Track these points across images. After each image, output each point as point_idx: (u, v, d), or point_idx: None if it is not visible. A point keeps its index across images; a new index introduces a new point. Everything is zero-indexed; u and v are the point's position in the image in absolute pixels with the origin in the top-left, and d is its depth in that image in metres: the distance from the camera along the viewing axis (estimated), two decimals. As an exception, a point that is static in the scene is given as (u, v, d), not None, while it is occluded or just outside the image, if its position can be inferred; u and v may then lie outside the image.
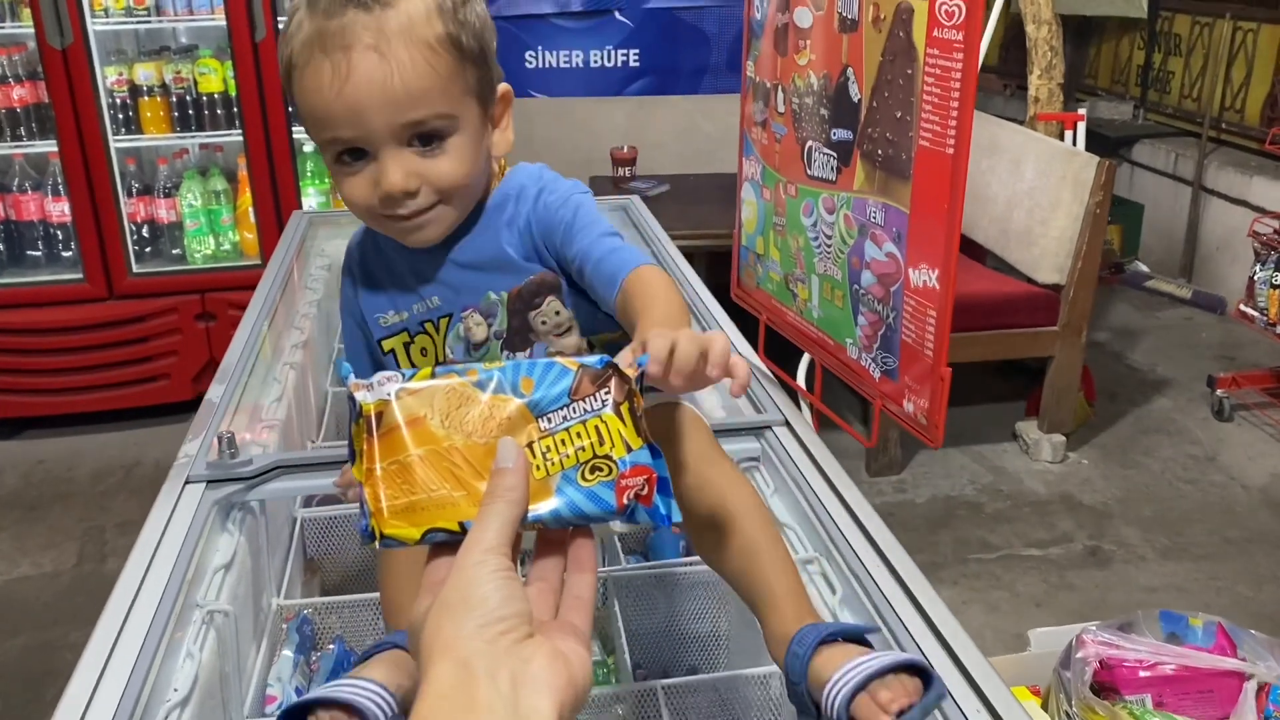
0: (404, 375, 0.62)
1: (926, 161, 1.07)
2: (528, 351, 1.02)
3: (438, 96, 0.91)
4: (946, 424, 4.01)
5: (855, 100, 1.19)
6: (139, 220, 3.63)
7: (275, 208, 3.55)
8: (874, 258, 1.21)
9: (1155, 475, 3.44)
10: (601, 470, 0.61)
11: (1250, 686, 1.01)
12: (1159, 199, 5.12)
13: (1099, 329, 4.49)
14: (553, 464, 0.61)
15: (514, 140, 1.03)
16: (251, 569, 1.27)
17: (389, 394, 0.62)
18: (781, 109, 1.38)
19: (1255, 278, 3.59)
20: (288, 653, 1.28)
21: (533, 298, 1.02)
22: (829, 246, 1.29)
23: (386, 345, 1.06)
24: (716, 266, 3.31)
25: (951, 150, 1.05)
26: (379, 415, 0.61)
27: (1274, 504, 3.25)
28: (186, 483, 1.24)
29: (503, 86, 1.00)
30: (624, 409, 0.62)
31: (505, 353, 1.02)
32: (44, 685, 2.49)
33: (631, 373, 0.64)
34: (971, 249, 3.81)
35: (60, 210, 3.54)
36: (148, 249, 3.66)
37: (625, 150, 3.71)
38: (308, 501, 1.60)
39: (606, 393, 0.62)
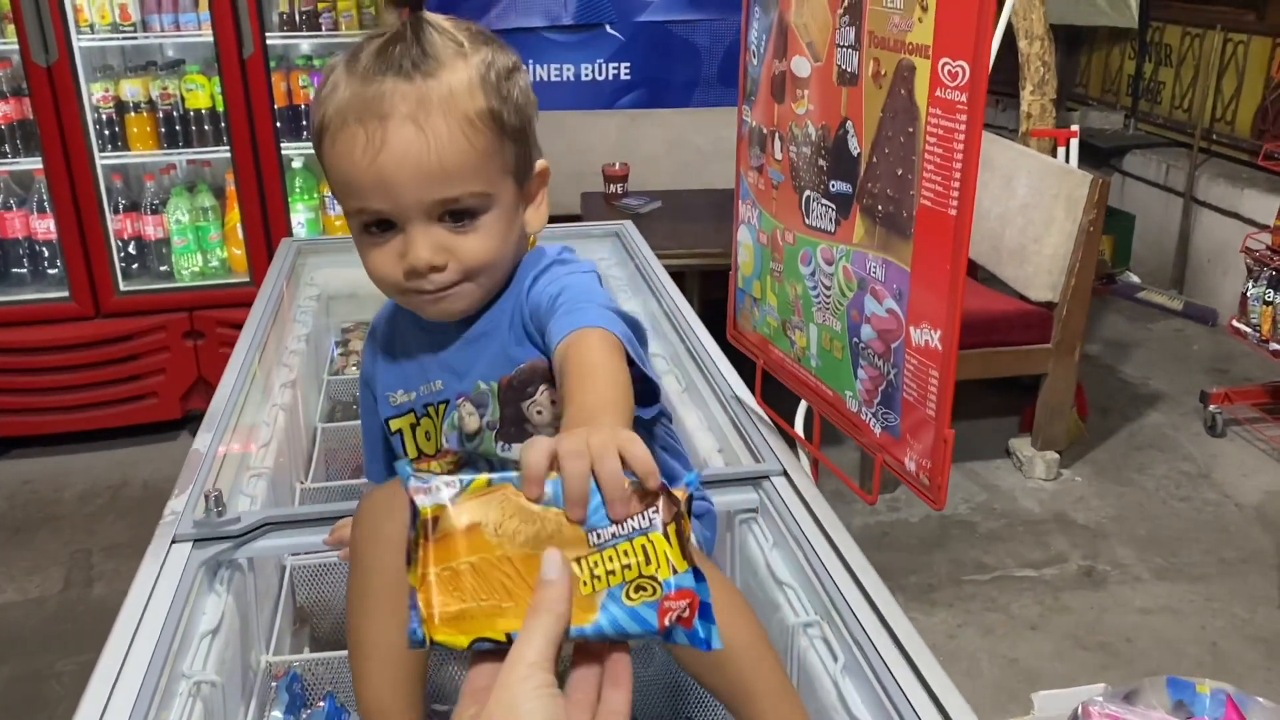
0: (461, 482, 0.63)
1: (928, 221, 1.05)
2: (523, 439, 0.98)
3: (473, 174, 0.88)
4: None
5: (855, 154, 1.17)
6: (126, 237, 3.59)
7: (264, 224, 3.52)
8: (874, 313, 1.19)
9: (1149, 493, 3.44)
10: (646, 590, 0.62)
11: (1258, 762, 1.00)
12: (1150, 209, 5.12)
13: (1091, 341, 4.49)
14: (599, 580, 0.62)
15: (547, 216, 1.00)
16: (240, 629, 1.24)
17: (446, 500, 0.62)
18: (779, 156, 1.36)
19: (1248, 294, 3.59)
20: (277, 714, 1.25)
21: (524, 387, 0.97)
22: (828, 297, 1.27)
23: (394, 425, 1.03)
24: (709, 285, 3.30)
25: (954, 211, 1.03)
26: (435, 520, 0.62)
27: (1267, 522, 3.25)
28: (173, 542, 1.22)
29: (540, 163, 0.96)
30: (671, 530, 0.62)
31: (500, 444, 0.97)
32: (30, 715, 2.46)
33: (680, 495, 0.63)
34: (964, 264, 3.80)
35: (46, 227, 3.50)
36: (135, 266, 3.63)
37: (617, 167, 3.69)
38: (296, 548, 1.57)
39: (655, 512, 0.63)
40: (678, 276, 3.03)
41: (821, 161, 1.25)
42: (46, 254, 3.57)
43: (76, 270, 3.45)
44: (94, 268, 3.47)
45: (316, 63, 3.65)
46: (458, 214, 0.88)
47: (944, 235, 1.04)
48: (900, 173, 1.09)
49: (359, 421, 1.93)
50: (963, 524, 3.28)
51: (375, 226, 0.89)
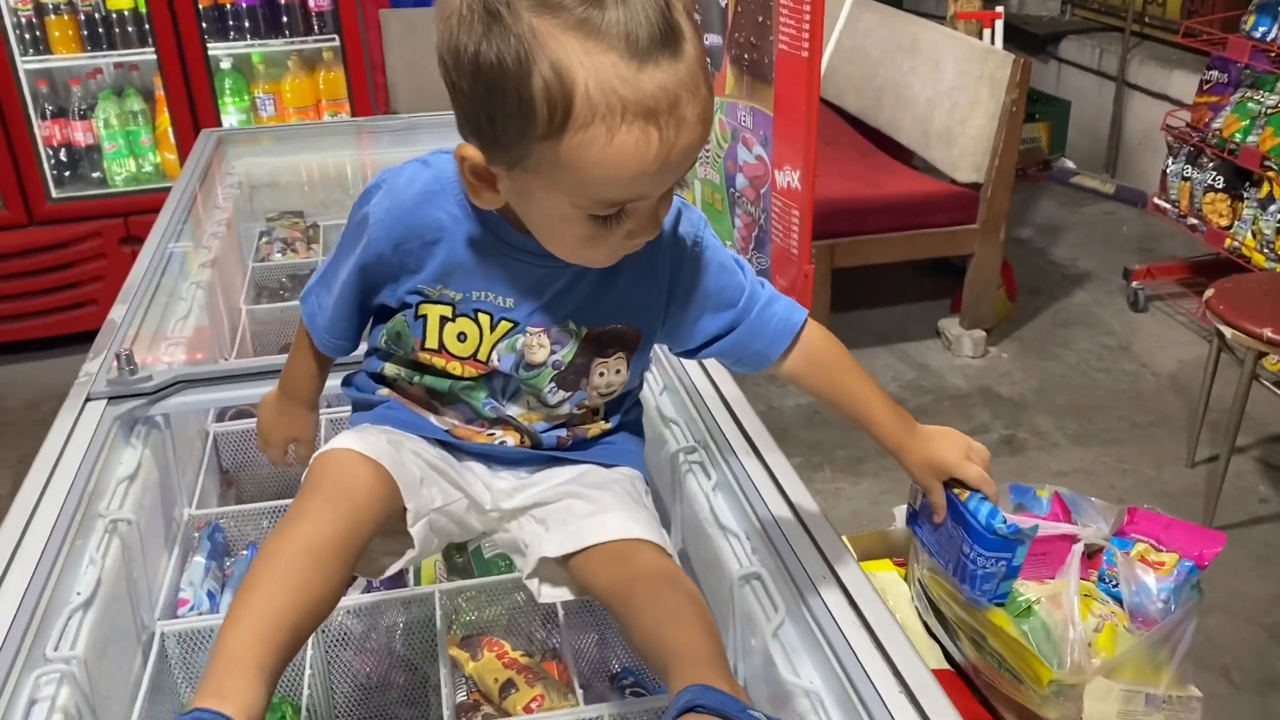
0: None
1: (785, 64, 1.11)
2: (569, 394, 0.96)
3: None
4: (874, 323, 4.05)
5: (723, 5, 1.22)
6: (55, 144, 3.56)
7: (194, 127, 3.49)
8: (745, 161, 1.25)
9: (1071, 366, 3.57)
10: None
11: (1077, 549, 1.10)
12: (1085, 95, 5.18)
13: (1023, 226, 4.59)
14: None
15: None
16: (159, 482, 1.31)
17: None
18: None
19: (1167, 171, 3.68)
20: (199, 559, 1.33)
21: (607, 346, 0.94)
22: (706, 151, 1.33)
23: (422, 309, 0.92)
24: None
25: (806, 53, 1.09)
26: None
27: (1180, 389, 3.40)
28: (87, 400, 1.28)
29: None
30: None
31: (552, 385, 0.95)
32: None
33: None
34: (897, 150, 3.86)
35: (-29, 135, 3.46)
36: (67, 174, 3.61)
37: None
38: (220, 416, 1.64)
39: None
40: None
41: (695, 16, 1.30)
42: (-26, 163, 3.53)
43: (6, 179, 3.43)
44: (24, 175, 3.44)
45: (238, -41, 3.59)
46: None
47: (798, 76, 1.09)
48: (760, 19, 1.15)
49: (288, 304, 1.99)
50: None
51: (609, 216, 0.80)
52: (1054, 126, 5.19)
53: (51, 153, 3.54)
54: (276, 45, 3.66)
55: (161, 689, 1.16)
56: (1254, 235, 3.34)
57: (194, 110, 3.50)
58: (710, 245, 0.98)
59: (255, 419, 1.16)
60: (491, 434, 0.98)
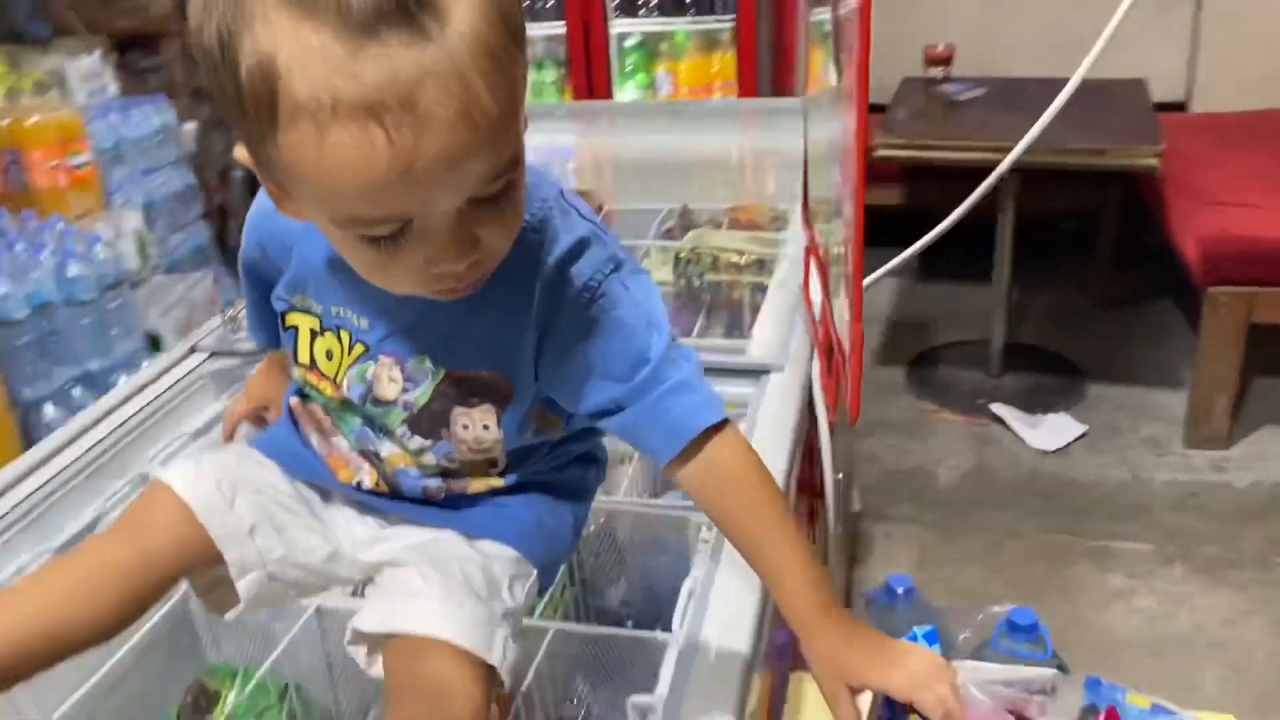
0: None
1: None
2: (428, 442, 0.82)
3: (508, 138, 0.64)
4: None
5: None
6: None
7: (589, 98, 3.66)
8: (834, 179, 0.99)
9: None
10: None
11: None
12: None
13: None
14: None
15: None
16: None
17: None
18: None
19: None
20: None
21: (471, 395, 0.80)
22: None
23: (290, 319, 0.85)
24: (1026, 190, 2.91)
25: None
26: None
27: None
28: (191, 350, 1.35)
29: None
30: None
31: (405, 429, 0.82)
32: None
33: None
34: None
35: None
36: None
37: (941, 49, 3.35)
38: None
39: None
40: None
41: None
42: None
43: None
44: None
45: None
46: (495, 196, 0.66)
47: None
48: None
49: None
50: (1304, 500, 2.68)
51: (386, 237, 0.65)
52: None
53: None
54: (681, 23, 3.69)
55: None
56: None
57: (590, 83, 3.65)
58: (611, 296, 0.77)
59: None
60: (353, 469, 0.86)
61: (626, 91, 3.74)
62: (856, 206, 0.87)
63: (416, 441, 0.82)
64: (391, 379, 0.80)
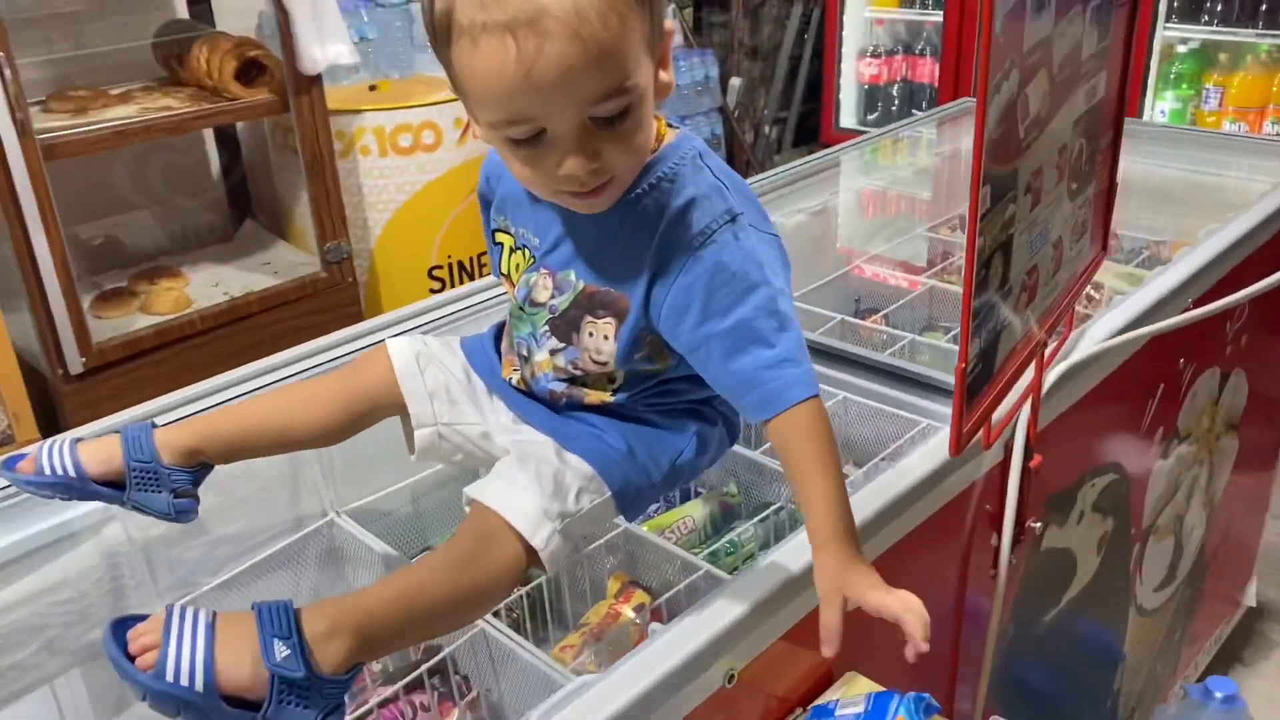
0: None
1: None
2: (562, 345, 0.99)
3: (626, 68, 0.80)
4: None
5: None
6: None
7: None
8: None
9: None
10: None
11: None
12: None
13: None
14: None
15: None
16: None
17: None
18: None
19: None
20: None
21: (598, 308, 0.94)
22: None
23: (498, 238, 1.05)
24: None
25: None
26: None
27: None
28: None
29: (668, 23, 0.87)
30: None
31: (547, 329, 0.99)
32: None
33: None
34: None
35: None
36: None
37: None
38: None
39: None
40: None
41: None
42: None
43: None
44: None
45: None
46: (611, 117, 0.82)
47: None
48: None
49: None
50: None
51: (525, 140, 0.82)
52: None
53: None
54: (1245, 35, 3.31)
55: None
56: None
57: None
58: (720, 243, 0.89)
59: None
60: (511, 369, 1.07)
61: (1165, 101, 3.45)
62: None
63: (553, 343, 0.99)
64: (545, 286, 0.98)
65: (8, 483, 1.05)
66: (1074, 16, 1.02)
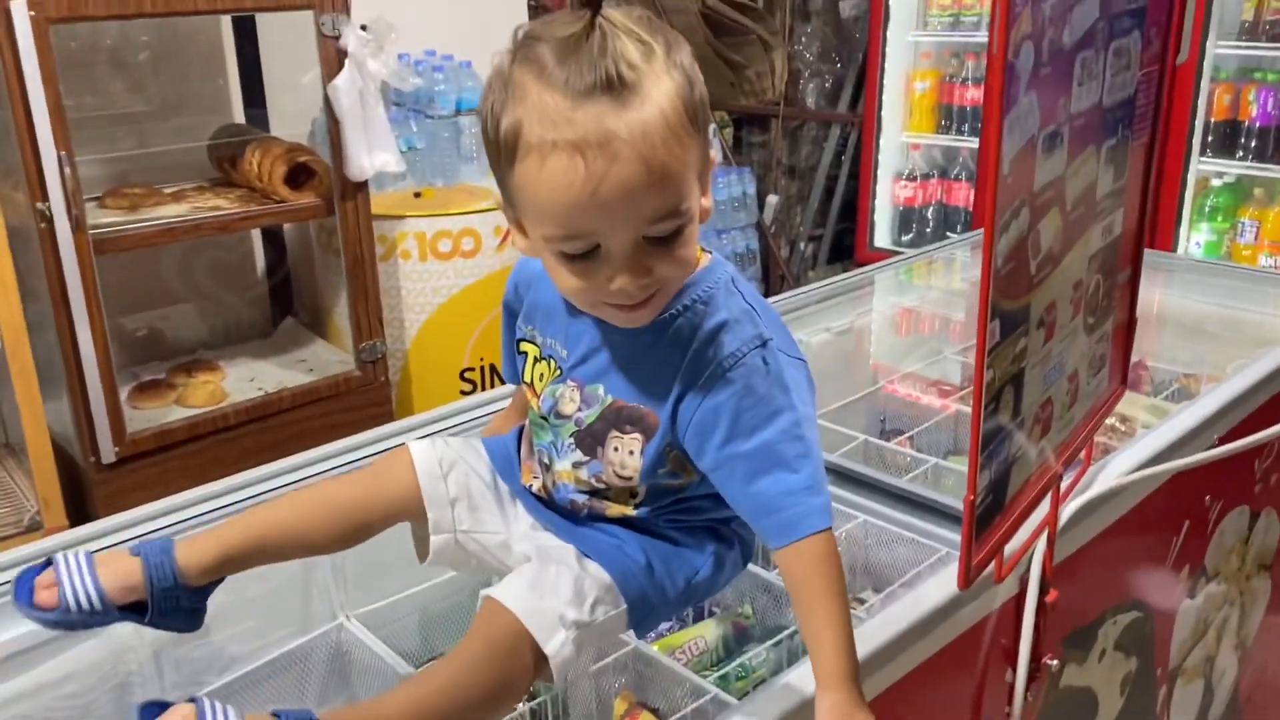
0: None
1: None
2: (586, 459, 1.00)
3: (683, 193, 0.85)
4: None
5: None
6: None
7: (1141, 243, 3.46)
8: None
9: None
10: None
11: None
12: None
13: None
14: None
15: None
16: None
17: None
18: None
19: None
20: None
21: (627, 422, 0.96)
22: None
23: (522, 346, 1.07)
24: None
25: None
26: None
27: None
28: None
29: (712, 153, 0.92)
30: None
31: (572, 442, 1.00)
32: None
33: None
34: None
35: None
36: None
37: None
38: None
39: None
40: None
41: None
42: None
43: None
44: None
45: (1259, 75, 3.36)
46: (665, 237, 0.86)
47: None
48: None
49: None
50: None
51: (579, 255, 0.86)
52: None
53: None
54: (1277, 171, 3.33)
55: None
56: None
57: (1150, 226, 3.45)
58: (750, 367, 0.91)
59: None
60: (532, 476, 1.07)
61: (1200, 233, 3.47)
62: None
63: (577, 455, 1.00)
64: (572, 399, 1.00)
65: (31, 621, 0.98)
66: (1088, 156, 1.04)
